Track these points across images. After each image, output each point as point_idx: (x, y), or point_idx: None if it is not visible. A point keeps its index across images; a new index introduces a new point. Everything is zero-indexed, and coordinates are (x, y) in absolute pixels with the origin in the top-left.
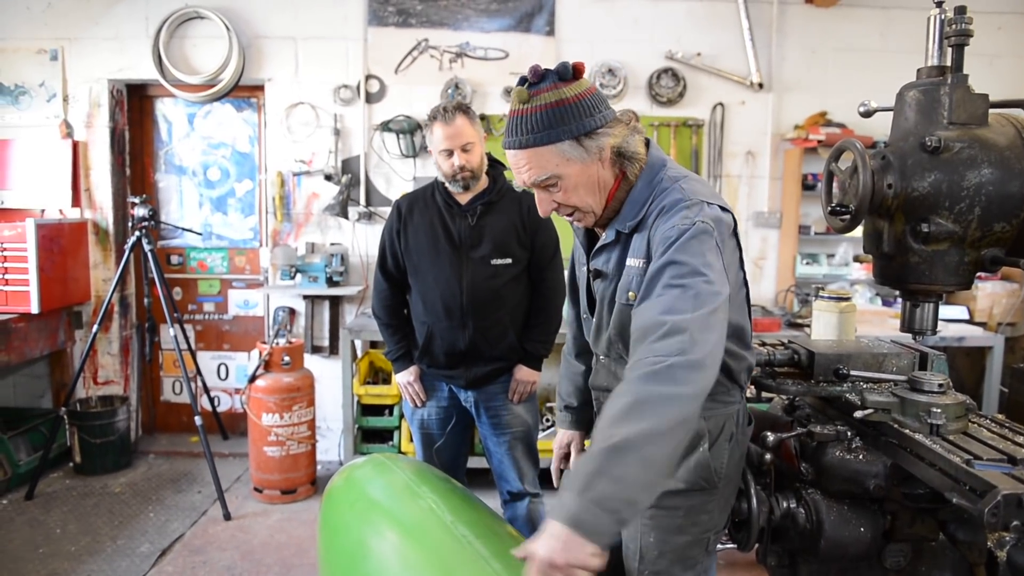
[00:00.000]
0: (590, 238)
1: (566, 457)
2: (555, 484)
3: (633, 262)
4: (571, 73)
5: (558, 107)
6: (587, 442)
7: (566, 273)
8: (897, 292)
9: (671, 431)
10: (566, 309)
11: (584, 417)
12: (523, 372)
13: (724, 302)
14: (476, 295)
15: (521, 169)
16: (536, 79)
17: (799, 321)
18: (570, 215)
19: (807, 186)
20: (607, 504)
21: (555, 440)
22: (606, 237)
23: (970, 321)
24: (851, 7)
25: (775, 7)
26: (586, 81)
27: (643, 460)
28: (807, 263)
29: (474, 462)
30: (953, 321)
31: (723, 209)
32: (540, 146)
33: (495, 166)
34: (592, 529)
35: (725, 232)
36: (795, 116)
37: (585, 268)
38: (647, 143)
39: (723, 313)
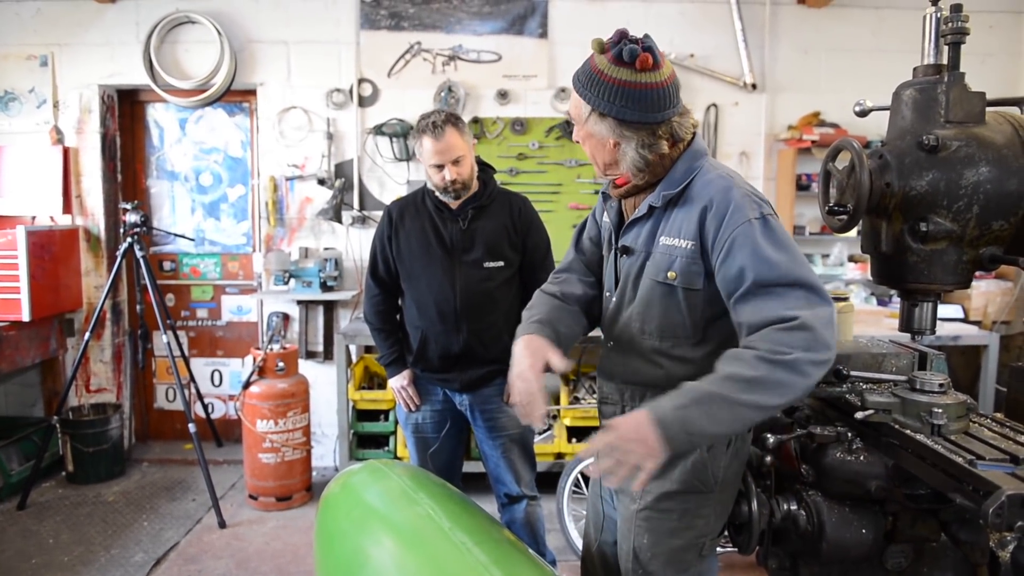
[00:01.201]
0: (620, 219)
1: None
2: (512, 397)
3: (676, 241)
4: (629, 58)
5: (597, 76)
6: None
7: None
8: (894, 291)
9: (773, 409)
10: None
11: (550, 336)
12: None
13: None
14: (469, 298)
15: (571, 99)
16: (611, 43)
17: None
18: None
19: (801, 186)
20: (690, 426)
21: (524, 344)
22: (638, 212)
23: (965, 320)
24: (843, 7)
25: (767, 8)
26: (642, 75)
27: (737, 419)
28: None
29: (470, 466)
30: (948, 320)
31: (763, 199)
32: (576, 92)
33: (485, 170)
34: (668, 433)
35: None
36: (788, 116)
37: (614, 248)
38: (692, 136)
39: (830, 302)
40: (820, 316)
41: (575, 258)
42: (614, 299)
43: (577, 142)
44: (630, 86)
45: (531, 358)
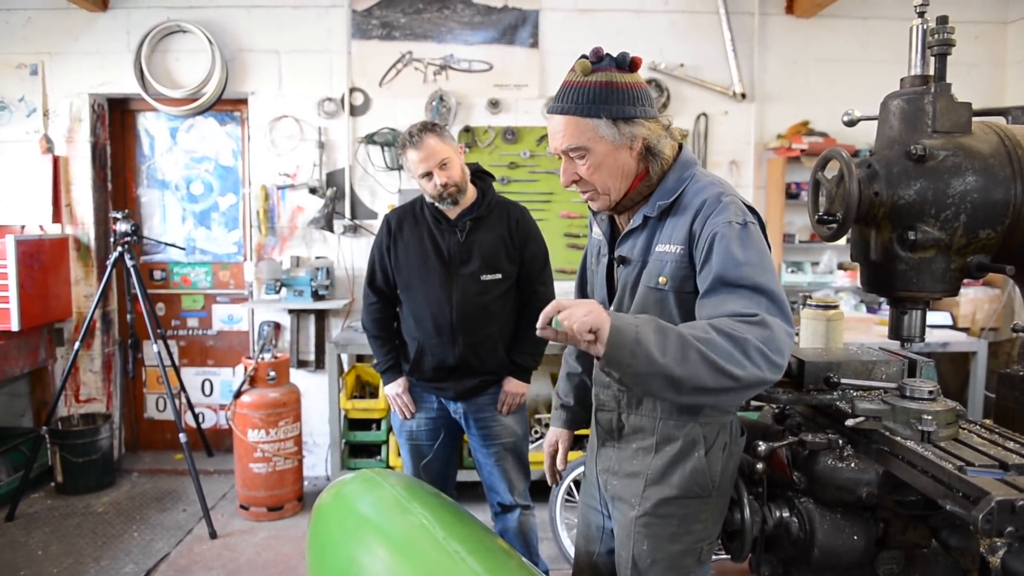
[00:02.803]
0: (613, 229)
1: (554, 455)
2: (549, 483)
3: (668, 248)
4: (628, 64)
5: (606, 87)
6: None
7: (578, 269)
8: (883, 299)
9: (719, 374)
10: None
11: (578, 418)
12: (512, 384)
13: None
14: (465, 311)
15: (557, 134)
16: (596, 59)
17: None
18: (586, 192)
19: (791, 195)
20: (642, 340)
21: (546, 437)
22: (633, 222)
23: (954, 327)
24: (831, 18)
25: (756, 18)
26: (639, 76)
27: (685, 362)
28: (792, 271)
29: (463, 475)
30: (937, 327)
31: (751, 209)
32: (580, 116)
33: (483, 178)
34: (618, 320)
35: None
36: (778, 126)
37: (607, 259)
38: (680, 147)
39: (788, 315)
40: (779, 324)
41: None
42: (611, 309)
43: (575, 182)
44: (639, 86)
45: (546, 451)
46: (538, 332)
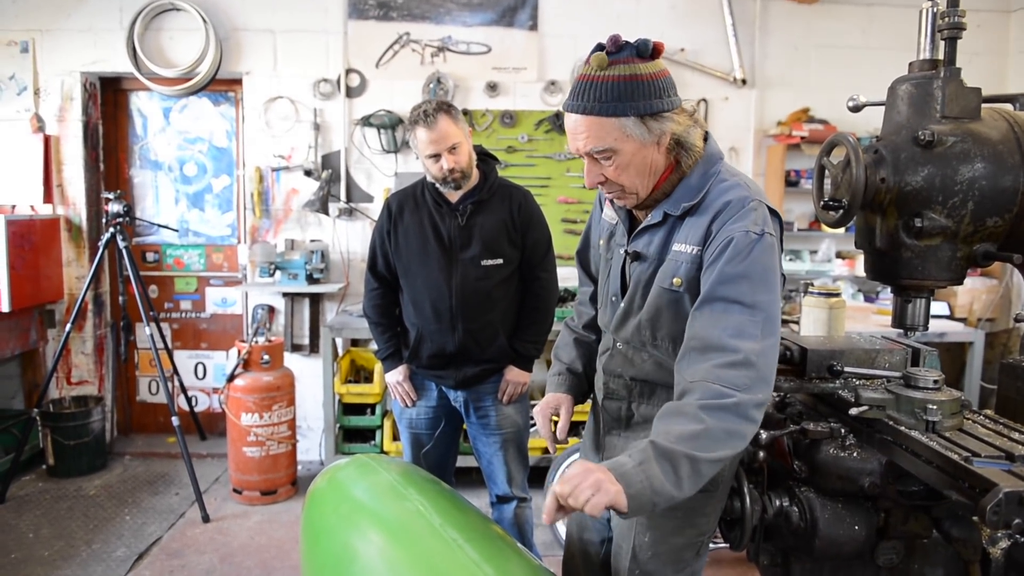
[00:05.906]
0: (631, 220)
1: (554, 421)
2: (551, 450)
3: (684, 248)
4: (650, 51)
5: (631, 81)
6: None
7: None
8: (881, 288)
9: (728, 459)
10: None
11: (583, 387)
12: (514, 373)
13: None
14: (465, 297)
15: (578, 136)
16: (614, 49)
17: (784, 318)
18: (612, 192)
19: (790, 182)
20: (657, 493)
21: (543, 401)
22: (652, 218)
23: (951, 317)
24: (833, 4)
25: (758, 3)
26: (661, 63)
27: (695, 477)
28: (790, 260)
29: (462, 460)
30: (934, 317)
31: (773, 213)
32: (604, 116)
33: (487, 161)
34: (629, 486)
35: (778, 240)
36: (778, 112)
37: (623, 250)
38: (706, 136)
39: (778, 337)
40: (765, 349)
41: (590, 288)
42: (622, 304)
43: (600, 183)
44: (662, 75)
45: (543, 412)
46: (547, 522)
